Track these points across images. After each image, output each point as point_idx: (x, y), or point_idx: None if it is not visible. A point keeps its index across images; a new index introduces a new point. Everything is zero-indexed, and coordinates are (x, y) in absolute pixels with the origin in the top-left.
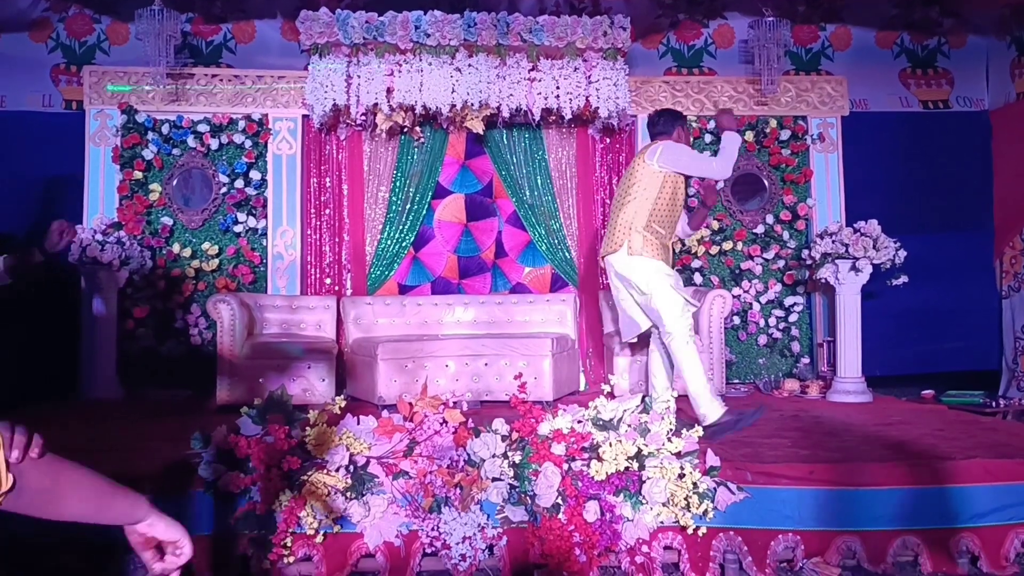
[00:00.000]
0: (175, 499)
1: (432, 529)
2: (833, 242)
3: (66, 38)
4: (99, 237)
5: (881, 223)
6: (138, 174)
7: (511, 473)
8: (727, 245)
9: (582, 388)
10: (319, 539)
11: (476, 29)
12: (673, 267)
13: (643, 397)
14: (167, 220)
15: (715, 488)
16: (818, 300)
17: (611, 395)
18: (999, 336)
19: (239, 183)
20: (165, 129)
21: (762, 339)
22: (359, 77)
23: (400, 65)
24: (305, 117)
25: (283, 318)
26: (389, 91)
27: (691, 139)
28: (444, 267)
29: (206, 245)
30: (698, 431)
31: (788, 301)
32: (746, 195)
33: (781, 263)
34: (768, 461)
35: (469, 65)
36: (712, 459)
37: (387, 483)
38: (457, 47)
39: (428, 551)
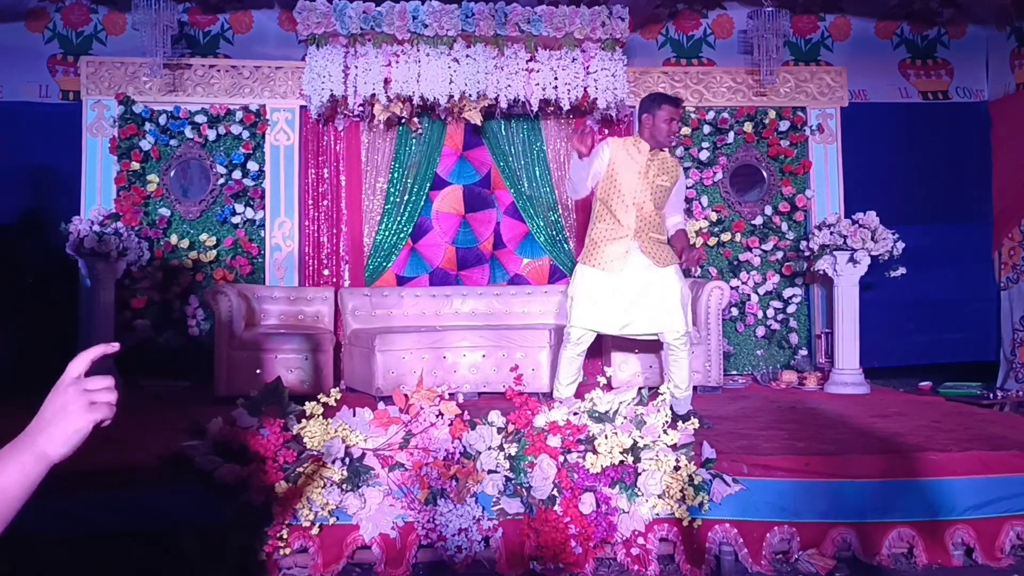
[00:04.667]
0: (171, 490)
1: (428, 521)
2: (831, 233)
3: (63, 28)
4: (97, 228)
5: (880, 214)
6: (135, 165)
7: (507, 465)
8: (725, 236)
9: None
10: (315, 531)
11: (474, 19)
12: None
13: (639, 389)
14: (165, 211)
15: (711, 480)
16: (816, 292)
17: (608, 387)
18: (997, 328)
19: (237, 174)
20: (162, 120)
21: (760, 331)
22: (357, 68)
23: (398, 56)
24: (303, 108)
25: (281, 309)
26: (387, 82)
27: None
28: (442, 258)
29: (204, 236)
30: (694, 423)
31: (786, 293)
32: (745, 186)
33: (779, 254)
34: (764, 453)
35: (467, 56)
36: (708, 451)
37: (383, 475)
38: (455, 37)
39: (424, 543)
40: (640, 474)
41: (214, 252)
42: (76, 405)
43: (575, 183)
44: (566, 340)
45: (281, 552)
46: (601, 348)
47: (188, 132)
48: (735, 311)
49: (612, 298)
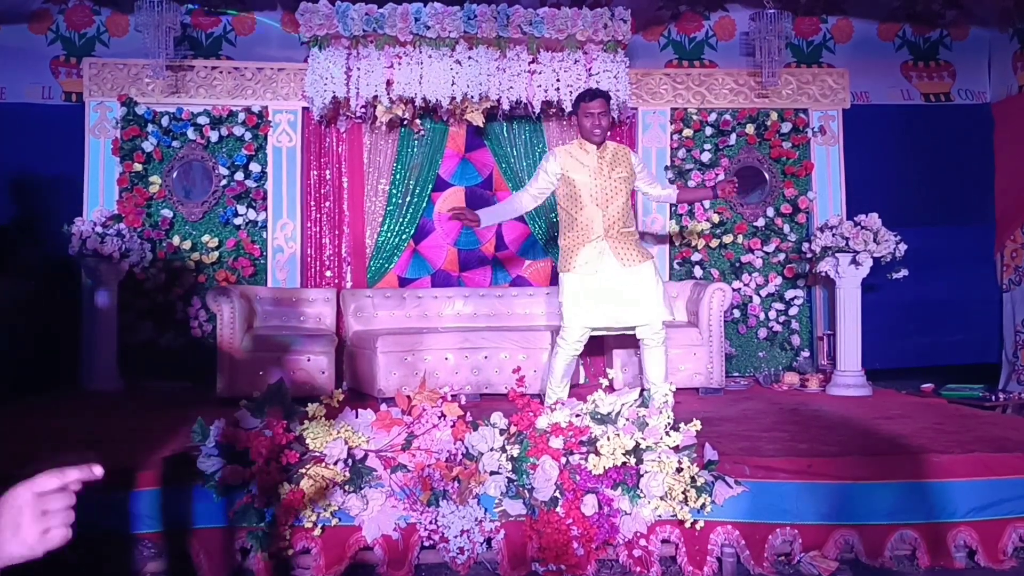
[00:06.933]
0: (174, 492)
1: (430, 522)
2: (833, 235)
3: (66, 30)
4: (99, 229)
5: (882, 216)
6: (138, 166)
7: (509, 467)
8: (727, 238)
9: (582, 381)
10: (317, 532)
11: (476, 21)
12: (672, 260)
13: (641, 391)
14: (167, 212)
15: (713, 482)
16: (818, 293)
17: (610, 388)
18: (999, 330)
19: (239, 175)
20: (165, 121)
21: (762, 332)
22: (359, 69)
23: (400, 57)
24: (305, 109)
25: (283, 311)
26: (389, 83)
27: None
28: (444, 260)
29: (206, 238)
30: (696, 425)
31: (788, 294)
32: (747, 188)
33: (781, 256)
34: (767, 455)
35: (469, 57)
36: (710, 453)
37: (385, 476)
38: (457, 39)
39: (426, 544)
40: (642, 476)
41: (216, 253)
42: (32, 529)
43: (509, 214)
44: (562, 342)
45: (284, 553)
46: (603, 349)
47: (190, 133)
48: (737, 313)
49: (594, 297)
